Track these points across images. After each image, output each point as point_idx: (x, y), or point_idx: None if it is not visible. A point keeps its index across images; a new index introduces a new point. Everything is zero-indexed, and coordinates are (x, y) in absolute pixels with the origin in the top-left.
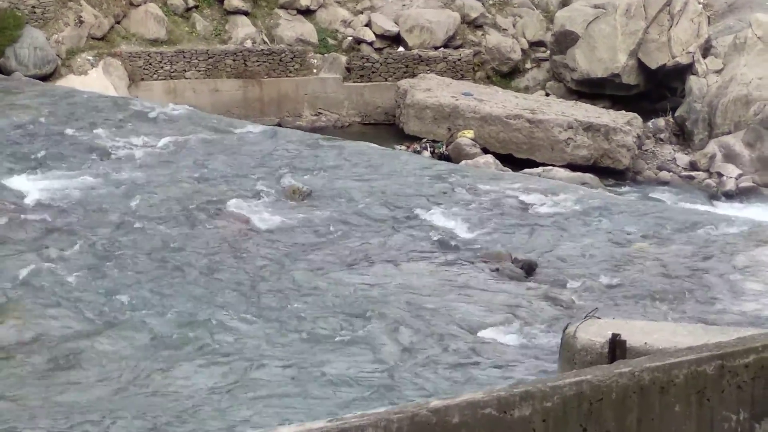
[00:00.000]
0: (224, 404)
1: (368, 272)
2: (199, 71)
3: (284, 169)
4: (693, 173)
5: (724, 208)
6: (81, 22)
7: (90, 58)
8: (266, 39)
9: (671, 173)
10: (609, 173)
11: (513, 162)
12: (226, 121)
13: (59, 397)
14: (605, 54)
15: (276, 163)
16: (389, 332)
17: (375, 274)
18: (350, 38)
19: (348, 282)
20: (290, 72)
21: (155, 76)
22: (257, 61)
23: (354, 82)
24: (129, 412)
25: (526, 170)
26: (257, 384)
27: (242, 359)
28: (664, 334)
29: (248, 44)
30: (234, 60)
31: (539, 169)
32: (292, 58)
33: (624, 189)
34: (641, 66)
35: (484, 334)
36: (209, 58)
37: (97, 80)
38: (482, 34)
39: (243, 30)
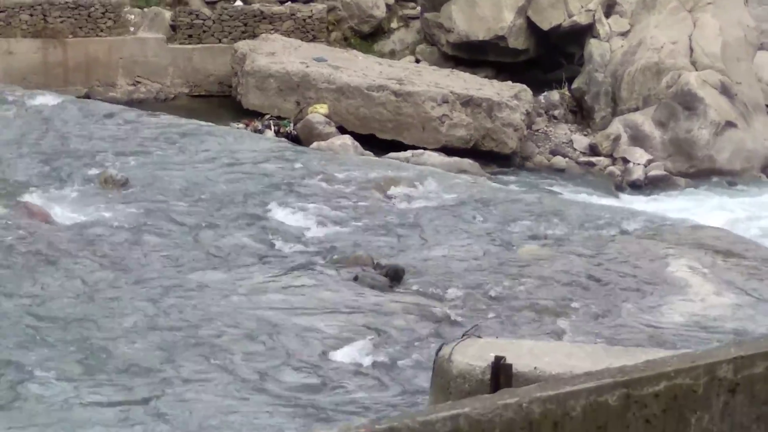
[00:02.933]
0: None
1: (193, 280)
2: None
3: (94, 151)
4: (593, 159)
5: (630, 201)
6: None
7: None
8: None
9: (567, 159)
10: (492, 158)
11: (376, 144)
12: (19, 91)
13: None
14: (488, 12)
15: (84, 144)
16: (215, 358)
17: (202, 282)
18: None
19: (166, 293)
20: (101, 30)
21: None
22: (60, 16)
23: (180, 43)
24: None
25: (392, 154)
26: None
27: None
28: (557, 357)
29: None
30: (31, 15)
31: (408, 153)
32: (103, 13)
33: (510, 178)
34: (531, 27)
35: (339, 356)
36: (0, 12)
37: None
38: None
39: None
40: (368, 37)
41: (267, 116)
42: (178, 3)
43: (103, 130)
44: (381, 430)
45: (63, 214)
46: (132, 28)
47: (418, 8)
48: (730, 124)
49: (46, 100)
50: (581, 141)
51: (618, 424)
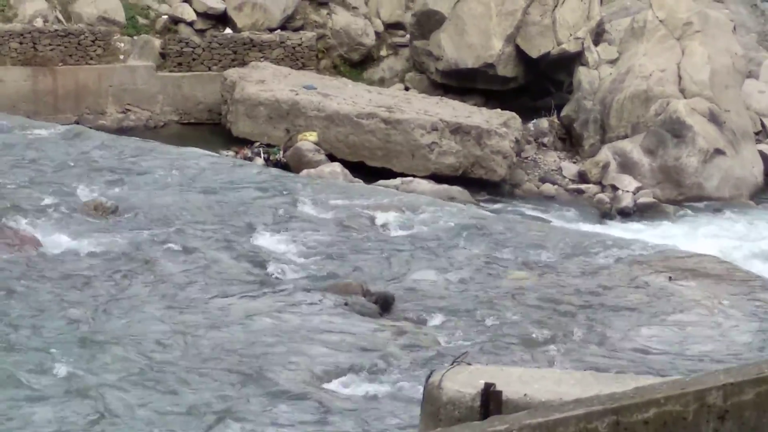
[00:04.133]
0: None
1: (184, 307)
2: None
3: (83, 179)
4: (582, 186)
5: (619, 229)
6: None
7: None
8: (61, 17)
9: (556, 186)
10: (481, 186)
11: (365, 171)
12: (10, 120)
13: None
14: (477, 39)
15: (73, 172)
16: (205, 386)
17: (192, 310)
18: (165, 17)
19: (158, 320)
20: (91, 58)
21: None
22: (50, 44)
23: (170, 71)
24: None
25: (382, 182)
26: None
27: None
28: (547, 384)
29: (38, 23)
30: (21, 43)
31: (397, 181)
32: (93, 41)
33: (499, 205)
34: (520, 54)
35: (328, 384)
36: None
37: None
38: (328, 14)
39: (32, 5)
40: (358, 64)
41: (256, 144)
42: (168, 31)
43: (92, 158)
44: None
45: (52, 241)
46: (122, 56)
47: (407, 36)
48: (718, 152)
49: (35, 128)
50: (570, 168)
51: None
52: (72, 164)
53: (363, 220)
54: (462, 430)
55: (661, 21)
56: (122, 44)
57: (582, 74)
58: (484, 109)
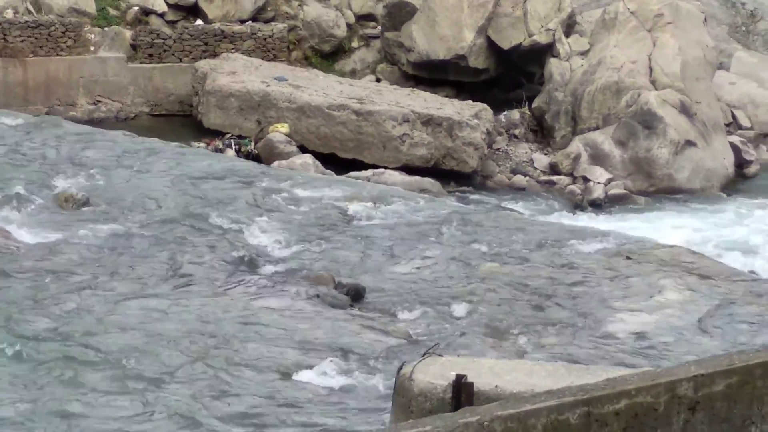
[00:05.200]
0: None
1: (156, 299)
2: None
3: (54, 170)
4: (554, 178)
5: (590, 220)
6: None
7: None
8: (31, 8)
9: (528, 178)
10: (453, 177)
11: (337, 163)
12: None
13: None
14: (448, 31)
15: (43, 163)
16: (174, 378)
17: (164, 301)
18: (136, 8)
19: (129, 311)
20: (62, 50)
21: None
22: (20, 35)
23: (141, 62)
24: None
25: (353, 173)
26: None
27: None
28: (518, 375)
29: (8, 14)
30: None
31: (369, 172)
32: (63, 33)
33: (471, 197)
34: (492, 46)
35: (299, 376)
36: None
37: None
38: (299, 5)
39: None
40: (329, 56)
41: (228, 135)
42: (139, 22)
43: (63, 149)
44: None
45: (23, 233)
46: (92, 48)
47: (379, 28)
48: (689, 143)
49: (2, 119)
50: (541, 160)
51: None
52: (42, 155)
53: (335, 212)
54: (434, 422)
55: (632, 12)
56: (93, 35)
57: (553, 66)
58: (455, 101)
